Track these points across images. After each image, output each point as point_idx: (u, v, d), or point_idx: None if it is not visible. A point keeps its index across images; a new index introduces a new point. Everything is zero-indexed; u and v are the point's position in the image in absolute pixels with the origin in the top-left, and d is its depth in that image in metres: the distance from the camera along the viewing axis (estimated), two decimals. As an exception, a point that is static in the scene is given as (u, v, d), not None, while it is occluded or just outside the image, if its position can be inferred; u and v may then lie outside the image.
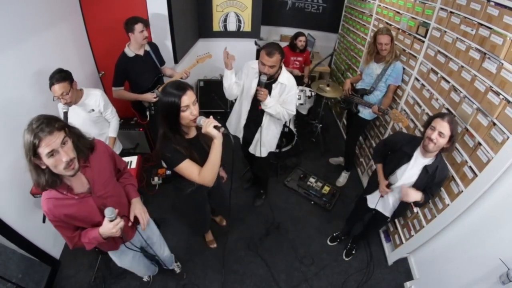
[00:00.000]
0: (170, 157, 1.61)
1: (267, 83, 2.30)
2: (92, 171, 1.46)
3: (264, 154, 2.76)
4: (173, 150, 1.59)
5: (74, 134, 1.33)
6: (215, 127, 1.52)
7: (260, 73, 2.29)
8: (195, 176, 1.64)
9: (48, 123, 1.18)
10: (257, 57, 4.96)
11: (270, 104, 2.35)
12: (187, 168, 1.63)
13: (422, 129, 2.51)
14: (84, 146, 1.39)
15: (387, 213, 2.36)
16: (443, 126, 1.77)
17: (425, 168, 1.96)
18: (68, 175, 1.29)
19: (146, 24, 2.75)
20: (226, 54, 2.37)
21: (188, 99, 1.49)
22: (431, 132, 1.82)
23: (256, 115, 2.56)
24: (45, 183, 1.26)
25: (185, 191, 1.93)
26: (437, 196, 2.27)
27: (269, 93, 2.38)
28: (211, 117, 1.57)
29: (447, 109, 2.25)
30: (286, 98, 2.43)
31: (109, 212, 1.40)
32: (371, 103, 2.97)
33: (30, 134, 1.16)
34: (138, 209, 1.72)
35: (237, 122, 2.73)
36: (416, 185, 2.01)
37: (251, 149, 2.78)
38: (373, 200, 2.41)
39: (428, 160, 1.95)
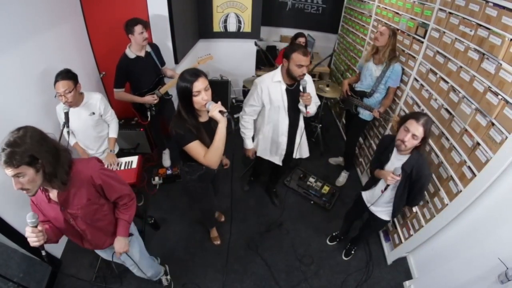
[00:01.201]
0: (183, 135, 1.71)
1: (298, 84, 2.25)
2: (66, 193, 1.46)
3: (308, 153, 2.79)
4: (186, 129, 1.70)
5: (45, 170, 1.29)
6: (221, 111, 1.62)
7: (291, 80, 2.23)
8: (201, 157, 1.75)
9: (10, 157, 1.16)
10: (257, 58, 5.02)
11: (314, 105, 2.33)
12: (196, 148, 1.74)
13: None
14: (57, 182, 1.36)
15: (382, 215, 2.35)
16: (417, 129, 1.81)
17: (403, 168, 1.96)
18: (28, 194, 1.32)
19: (146, 25, 2.77)
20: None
21: (200, 85, 1.60)
22: (404, 133, 1.85)
23: (294, 124, 2.52)
24: None
25: (194, 176, 2.06)
26: (436, 196, 2.28)
27: (297, 96, 2.30)
28: (219, 102, 1.66)
29: (446, 109, 2.26)
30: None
31: (28, 216, 1.32)
32: (371, 106, 2.98)
33: None
34: (116, 248, 1.77)
35: (274, 144, 2.63)
36: (398, 185, 2.03)
37: (296, 156, 2.74)
38: (369, 199, 2.40)
39: (403, 158, 1.98)
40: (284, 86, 2.29)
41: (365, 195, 2.44)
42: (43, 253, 1.44)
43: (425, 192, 2.16)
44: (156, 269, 2.36)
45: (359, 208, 2.57)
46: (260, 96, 2.36)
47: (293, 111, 2.42)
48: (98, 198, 1.61)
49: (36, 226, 1.34)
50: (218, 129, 1.69)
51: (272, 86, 2.30)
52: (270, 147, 2.66)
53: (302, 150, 2.75)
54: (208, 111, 1.67)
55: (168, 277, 2.58)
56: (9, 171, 1.19)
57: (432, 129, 2.39)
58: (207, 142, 1.77)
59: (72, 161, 1.46)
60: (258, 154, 2.75)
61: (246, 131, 2.58)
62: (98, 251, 1.96)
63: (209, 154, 1.74)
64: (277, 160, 2.72)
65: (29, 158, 1.20)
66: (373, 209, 2.35)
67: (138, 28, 2.70)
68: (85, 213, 1.57)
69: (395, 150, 2.03)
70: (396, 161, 2.03)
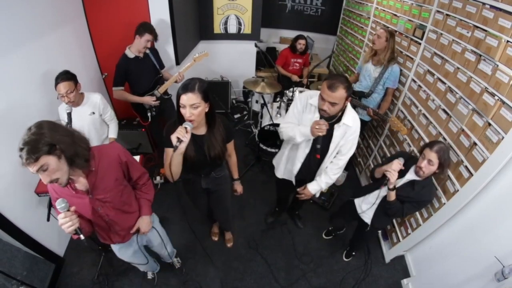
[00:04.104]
0: (165, 136, 1.68)
1: (336, 122, 1.94)
2: (95, 176, 1.49)
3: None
4: (170, 134, 1.58)
5: (66, 154, 1.29)
6: (178, 138, 1.51)
7: (319, 110, 1.89)
8: (166, 165, 1.70)
9: (29, 152, 1.17)
10: (257, 59, 5.05)
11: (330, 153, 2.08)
12: (166, 155, 1.72)
13: (418, 129, 2.57)
14: (80, 161, 1.36)
15: (366, 218, 2.37)
16: (431, 155, 1.89)
17: (412, 182, 2.04)
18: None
19: (155, 37, 2.88)
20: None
21: (186, 100, 1.53)
22: (421, 160, 1.95)
23: (313, 161, 2.18)
24: None
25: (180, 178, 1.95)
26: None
27: (330, 136, 1.98)
28: (188, 127, 1.56)
29: (443, 109, 2.29)
30: (346, 143, 2.04)
31: (58, 203, 1.34)
32: (368, 106, 3.00)
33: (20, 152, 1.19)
34: (143, 228, 1.84)
35: (289, 166, 2.39)
36: (398, 194, 2.07)
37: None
38: (362, 207, 2.40)
39: (417, 177, 2.04)
40: (317, 114, 1.95)
41: (358, 201, 2.44)
42: (82, 237, 1.42)
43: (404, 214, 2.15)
44: (171, 244, 2.46)
45: (347, 216, 2.62)
46: (295, 110, 2.08)
47: (319, 145, 1.99)
48: (123, 179, 1.66)
49: (68, 210, 1.36)
50: (173, 153, 1.55)
51: (308, 108, 2.02)
52: (283, 167, 2.45)
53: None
54: (210, 127, 1.72)
55: (178, 259, 2.71)
56: (33, 168, 1.20)
57: (429, 129, 2.43)
58: (192, 154, 1.74)
59: (92, 147, 1.49)
60: (276, 174, 2.55)
61: (289, 127, 2.10)
62: (117, 250, 1.97)
63: (166, 166, 1.69)
64: (293, 179, 2.44)
65: (47, 147, 1.20)
66: (364, 215, 2.39)
67: (148, 37, 2.81)
68: (113, 196, 1.61)
69: (412, 170, 2.07)
70: (410, 175, 2.08)
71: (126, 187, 1.72)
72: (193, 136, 1.71)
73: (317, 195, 2.52)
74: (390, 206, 2.09)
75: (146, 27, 2.79)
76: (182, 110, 1.57)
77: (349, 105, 1.92)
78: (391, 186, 2.02)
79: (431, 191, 2.09)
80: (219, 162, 1.99)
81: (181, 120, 1.62)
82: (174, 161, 1.63)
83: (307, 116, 2.02)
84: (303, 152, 2.17)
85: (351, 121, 1.94)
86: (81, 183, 1.49)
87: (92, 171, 1.48)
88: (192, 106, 1.55)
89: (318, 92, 1.90)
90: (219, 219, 2.78)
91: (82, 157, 1.37)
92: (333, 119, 1.90)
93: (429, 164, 1.91)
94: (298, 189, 2.39)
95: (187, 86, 1.54)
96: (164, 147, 1.73)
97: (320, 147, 1.96)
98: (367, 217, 2.35)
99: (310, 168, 2.27)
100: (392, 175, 1.97)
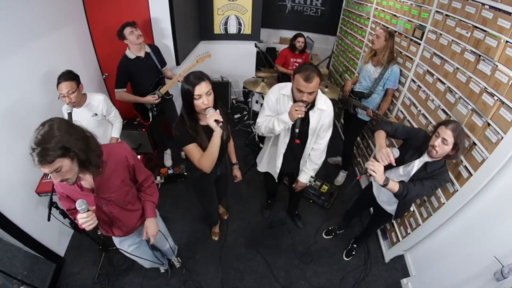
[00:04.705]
0: (180, 137, 1.77)
1: (310, 109, 2.01)
2: (101, 176, 1.50)
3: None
4: (184, 132, 1.75)
5: (79, 158, 1.29)
6: (216, 120, 1.66)
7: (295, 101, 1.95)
8: (195, 160, 1.81)
9: (43, 155, 1.15)
10: (257, 59, 5.06)
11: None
12: (191, 151, 1.80)
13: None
14: (91, 167, 1.38)
15: (389, 208, 2.28)
16: (446, 133, 1.74)
17: (425, 165, 1.90)
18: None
19: (133, 25, 2.77)
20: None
21: (202, 89, 1.63)
22: (435, 138, 1.80)
23: (296, 148, 2.24)
24: None
25: (195, 173, 2.08)
26: (433, 195, 2.32)
27: (308, 122, 2.05)
28: (217, 111, 1.71)
29: (443, 110, 2.30)
30: (322, 127, 2.10)
31: (79, 204, 1.37)
32: (367, 107, 3.01)
33: (31, 158, 1.16)
34: (150, 231, 1.83)
35: (272, 162, 2.43)
36: (412, 179, 1.95)
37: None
38: (379, 197, 2.34)
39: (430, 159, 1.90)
40: (291, 103, 2.01)
41: (376, 188, 2.38)
42: (99, 232, 1.47)
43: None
44: (171, 239, 2.45)
45: (365, 202, 2.57)
46: (274, 104, 2.10)
47: (298, 129, 2.00)
48: (129, 180, 1.68)
49: (88, 210, 1.40)
50: (213, 137, 1.74)
51: (281, 99, 2.07)
52: (266, 160, 2.50)
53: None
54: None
55: (179, 258, 2.71)
56: (46, 169, 1.19)
57: (429, 129, 2.43)
58: (206, 145, 1.81)
59: (101, 146, 1.49)
60: (258, 169, 2.62)
61: (266, 119, 2.11)
62: (118, 242, 1.98)
63: (203, 158, 1.79)
64: (275, 174, 2.48)
65: (62, 150, 1.19)
66: (387, 207, 2.30)
67: (127, 30, 2.73)
68: (118, 196, 1.62)
69: (424, 156, 1.93)
70: (419, 163, 1.94)
71: (132, 188, 1.73)
72: (203, 127, 1.81)
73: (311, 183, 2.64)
74: (398, 197, 1.92)
75: (120, 29, 2.73)
76: (199, 101, 1.65)
77: (319, 91, 1.99)
78: (380, 183, 1.81)
79: (446, 172, 1.90)
80: (227, 144, 2.10)
81: (192, 113, 1.74)
82: (215, 144, 1.75)
83: (281, 108, 2.07)
84: (283, 142, 2.22)
85: (324, 104, 2.03)
86: (87, 181, 1.51)
87: (99, 171, 1.48)
88: (207, 93, 1.66)
89: (287, 83, 2.05)
90: (221, 199, 2.85)
91: (94, 164, 1.38)
92: (307, 106, 1.93)
93: (443, 143, 1.76)
94: (293, 186, 2.51)
95: (199, 77, 1.64)
96: (181, 147, 1.81)
97: (298, 131, 1.97)
98: (391, 209, 2.27)
99: (293, 157, 2.34)
100: (377, 175, 1.78)
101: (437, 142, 1.78)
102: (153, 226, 1.85)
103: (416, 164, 1.95)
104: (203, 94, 1.64)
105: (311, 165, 2.32)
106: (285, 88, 2.05)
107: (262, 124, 2.09)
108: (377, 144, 2.00)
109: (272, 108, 2.11)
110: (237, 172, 2.45)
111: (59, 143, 1.18)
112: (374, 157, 1.88)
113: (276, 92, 2.08)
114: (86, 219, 1.39)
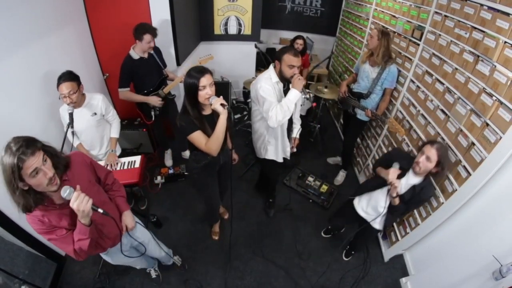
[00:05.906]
0: (185, 126, 1.90)
1: (288, 85, 2.32)
2: (70, 183, 1.44)
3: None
4: (189, 122, 1.89)
5: (50, 153, 1.33)
6: (222, 104, 1.80)
7: (283, 81, 2.29)
8: (202, 145, 1.93)
9: (28, 145, 1.19)
10: (257, 60, 5.07)
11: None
12: (197, 137, 1.92)
13: (417, 129, 2.59)
14: (60, 163, 1.39)
15: (375, 224, 2.35)
16: (431, 152, 1.90)
17: (413, 187, 2.06)
18: (51, 190, 1.33)
19: (155, 35, 2.85)
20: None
21: (206, 80, 1.79)
22: (420, 155, 1.96)
23: (290, 123, 2.59)
24: (33, 203, 1.30)
25: (199, 164, 2.19)
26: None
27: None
28: (221, 96, 1.85)
29: (442, 110, 2.31)
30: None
31: (63, 191, 1.32)
32: (366, 107, 3.02)
33: (12, 157, 1.15)
34: (129, 223, 1.88)
35: (281, 143, 2.62)
36: (402, 197, 2.09)
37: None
38: (361, 205, 2.43)
39: (417, 180, 2.05)
40: (281, 86, 2.34)
41: (360, 204, 2.44)
42: (100, 210, 1.43)
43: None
44: (166, 247, 2.46)
45: (348, 217, 2.62)
46: (274, 92, 2.27)
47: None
48: (94, 180, 1.70)
49: (74, 191, 1.35)
50: (219, 120, 1.85)
51: (275, 86, 2.31)
52: (274, 147, 2.64)
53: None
54: (211, 105, 1.84)
55: (178, 256, 2.74)
56: (37, 158, 1.22)
57: (428, 129, 2.45)
58: (209, 132, 1.93)
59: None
60: (271, 157, 2.69)
61: (278, 105, 2.22)
62: (111, 259, 1.97)
63: (210, 141, 1.91)
64: (280, 158, 2.73)
65: (40, 143, 1.28)
66: (366, 216, 2.39)
67: (147, 38, 2.78)
68: (91, 197, 1.53)
69: (409, 173, 2.09)
70: (412, 177, 2.07)
71: (100, 188, 1.74)
72: (205, 116, 1.97)
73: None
74: (397, 209, 2.15)
75: (142, 29, 2.76)
76: (203, 91, 1.81)
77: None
78: (394, 195, 2.05)
79: (430, 190, 2.11)
80: (228, 132, 2.18)
81: (195, 104, 1.88)
82: (222, 126, 1.87)
83: (277, 93, 2.32)
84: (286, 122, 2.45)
85: None
86: (59, 195, 1.40)
87: (66, 181, 1.45)
88: (211, 84, 1.82)
89: (267, 72, 2.33)
90: (223, 194, 2.85)
91: (60, 162, 1.40)
92: (285, 87, 2.33)
93: (427, 160, 1.91)
94: (292, 146, 2.74)
95: (202, 70, 1.81)
96: (187, 135, 1.92)
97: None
98: (378, 225, 2.35)
99: (290, 127, 2.64)
100: (399, 188, 2.04)
101: (421, 159, 1.95)
102: (130, 218, 1.89)
103: (404, 186, 2.10)
104: (207, 85, 1.79)
105: (297, 122, 2.68)
106: (272, 76, 2.30)
107: (277, 112, 2.18)
108: (383, 175, 2.15)
109: (273, 96, 2.27)
110: (234, 155, 2.52)
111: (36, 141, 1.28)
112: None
113: (270, 83, 2.27)
114: (78, 200, 1.33)
